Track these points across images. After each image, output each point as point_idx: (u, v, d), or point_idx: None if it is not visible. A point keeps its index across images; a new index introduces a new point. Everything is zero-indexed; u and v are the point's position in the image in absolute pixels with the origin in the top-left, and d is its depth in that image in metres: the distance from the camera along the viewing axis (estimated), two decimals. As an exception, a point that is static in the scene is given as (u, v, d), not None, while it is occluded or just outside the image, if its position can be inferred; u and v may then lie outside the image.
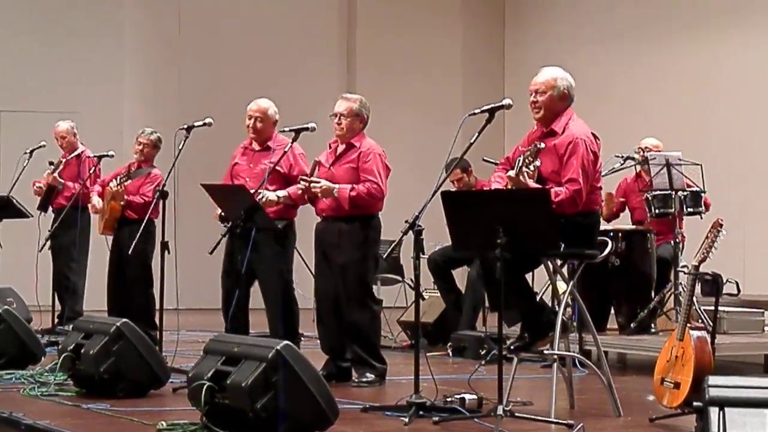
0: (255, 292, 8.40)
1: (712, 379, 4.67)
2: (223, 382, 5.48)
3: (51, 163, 11.24)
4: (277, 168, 8.12)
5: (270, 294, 8.22)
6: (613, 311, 9.58)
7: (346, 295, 7.75)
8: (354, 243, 7.69)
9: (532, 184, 6.37)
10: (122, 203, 9.91)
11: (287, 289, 8.26)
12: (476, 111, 6.44)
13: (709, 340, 6.21)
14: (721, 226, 6.27)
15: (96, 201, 10.33)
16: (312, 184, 7.72)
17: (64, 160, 11.22)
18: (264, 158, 8.30)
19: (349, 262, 7.70)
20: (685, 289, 7.54)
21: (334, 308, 7.82)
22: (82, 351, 6.97)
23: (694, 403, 4.75)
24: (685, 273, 7.90)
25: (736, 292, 10.13)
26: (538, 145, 6.40)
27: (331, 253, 7.79)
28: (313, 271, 8.02)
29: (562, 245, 6.16)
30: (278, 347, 5.39)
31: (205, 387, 5.49)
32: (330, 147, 7.96)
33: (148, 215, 9.21)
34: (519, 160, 6.48)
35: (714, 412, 4.56)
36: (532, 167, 6.37)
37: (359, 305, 7.75)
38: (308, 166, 8.13)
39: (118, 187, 9.90)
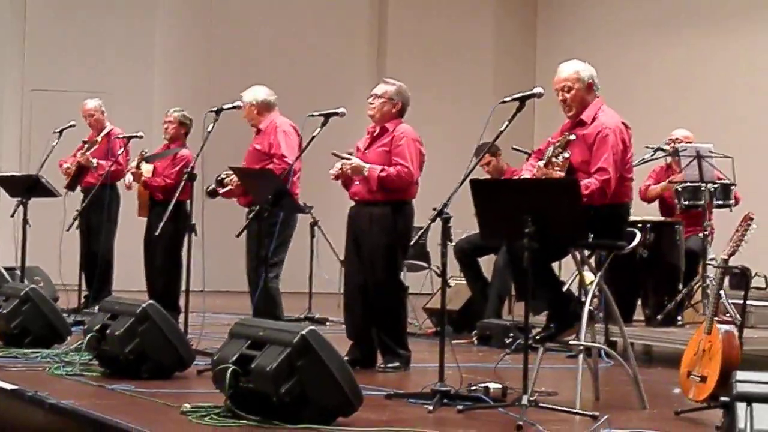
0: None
1: (740, 374, 4.62)
2: (248, 365, 5.48)
3: (85, 143, 11.20)
4: (258, 147, 8.69)
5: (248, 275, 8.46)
6: (640, 303, 9.53)
7: (374, 281, 7.74)
8: (384, 229, 7.67)
9: (559, 175, 6.32)
10: (137, 184, 10.05)
11: (262, 272, 8.16)
12: (506, 99, 6.39)
13: (737, 334, 6.16)
14: (751, 219, 6.22)
15: (128, 178, 10.37)
16: (342, 161, 7.72)
17: (99, 139, 11.12)
18: (255, 141, 8.83)
19: (378, 247, 7.68)
20: (713, 282, 7.48)
21: (361, 293, 7.81)
22: (108, 331, 6.99)
23: (721, 398, 4.71)
24: (713, 266, 7.85)
25: (764, 285, 10.07)
26: (568, 137, 6.37)
27: (362, 238, 7.78)
28: (339, 257, 8.00)
29: (591, 235, 6.13)
30: (303, 332, 5.38)
31: (229, 370, 5.49)
32: (368, 132, 7.96)
33: (176, 197, 9.08)
34: (548, 151, 6.45)
35: (741, 407, 4.51)
36: (560, 158, 6.33)
37: (386, 292, 7.74)
38: (294, 143, 8.42)
39: (137, 169, 10.02)
